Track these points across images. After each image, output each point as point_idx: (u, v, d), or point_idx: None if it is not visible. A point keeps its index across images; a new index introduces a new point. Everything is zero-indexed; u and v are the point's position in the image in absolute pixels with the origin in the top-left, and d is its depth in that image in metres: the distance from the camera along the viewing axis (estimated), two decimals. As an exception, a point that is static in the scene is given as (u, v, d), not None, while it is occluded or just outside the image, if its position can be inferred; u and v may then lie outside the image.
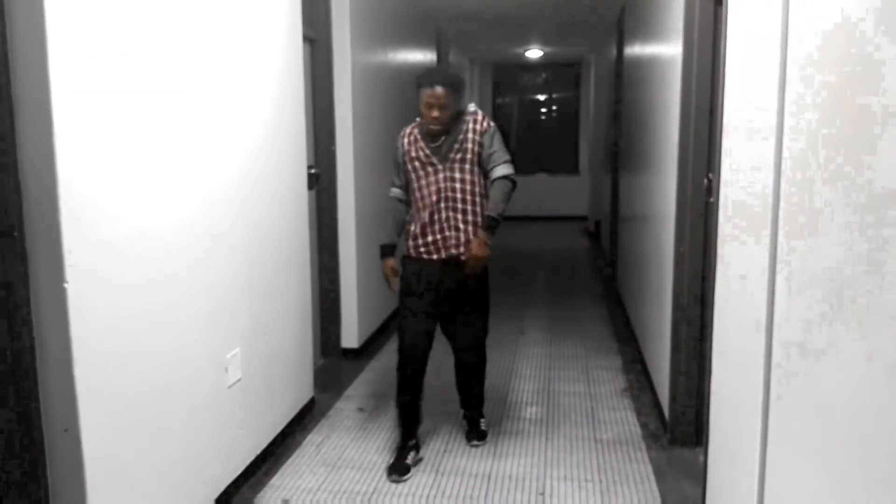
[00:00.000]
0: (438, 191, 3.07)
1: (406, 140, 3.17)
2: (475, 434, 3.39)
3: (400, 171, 3.22)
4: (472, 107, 3.17)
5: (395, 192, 3.26)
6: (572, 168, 12.32)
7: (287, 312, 3.43)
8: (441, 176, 3.06)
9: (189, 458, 2.53)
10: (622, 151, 6.27)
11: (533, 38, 9.37)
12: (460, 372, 3.41)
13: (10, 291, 1.84)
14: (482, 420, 3.45)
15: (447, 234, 3.08)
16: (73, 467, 1.96)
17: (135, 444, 2.20)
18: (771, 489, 1.85)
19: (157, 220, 2.29)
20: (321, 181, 4.32)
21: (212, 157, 2.65)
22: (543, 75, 12.61)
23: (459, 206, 3.07)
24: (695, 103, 3.10)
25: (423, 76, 3.07)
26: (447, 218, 3.08)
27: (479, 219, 3.09)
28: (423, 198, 3.11)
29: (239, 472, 2.91)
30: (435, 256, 3.10)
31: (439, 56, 7.50)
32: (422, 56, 6.67)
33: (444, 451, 3.29)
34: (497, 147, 3.10)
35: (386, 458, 3.18)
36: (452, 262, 3.11)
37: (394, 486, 2.97)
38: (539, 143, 12.58)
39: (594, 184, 10.06)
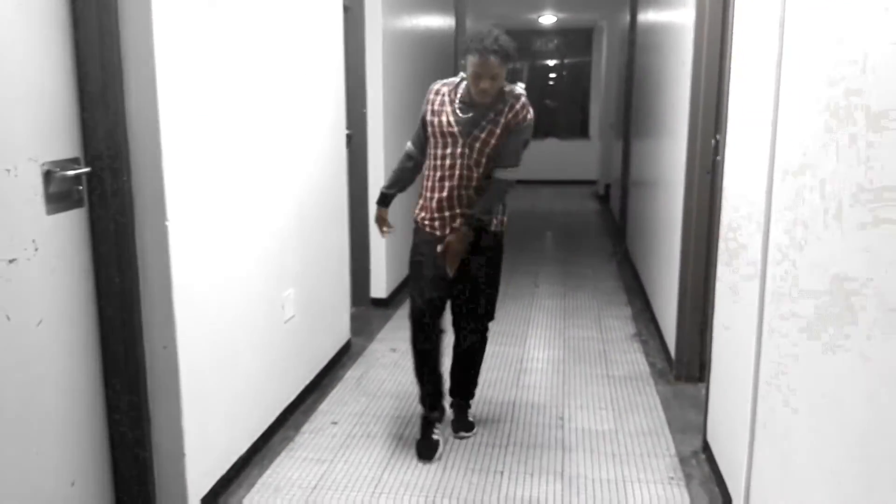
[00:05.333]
0: (461, 167, 2.83)
1: (436, 98, 2.87)
2: (462, 424, 3.17)
3: (421, 128, 2.96)
4: (519, 87, 2.87)
5: (409, 147, 3.03)
6: (583, 132, 12.57)
7: (329, 259, 3.76)
8: (461, 154, 2.81)
9: (253, 381, 2.88)
10: (634, 116, 6.54)
11: (547, 4, 9.55)
12: (458, 354, 3.19)
13: (120, 226, 2.17)
14: (469, 410, 3.26)
15: (462, 211, 2.89)
16: (171, 379, 2.32)
17: (216, 364, 2.56)
18: (762, 410, 2.18)
19: (234, 170, 2.62)
20: (353, 141, 4.62)
21: (274, 120, 2.97)
22: (556, 41, 12.80)
23: (475, 186, 2.88)
24: (705, 68, 3.39)
25: (475, 41, 2.68)
26: (461, 196, 2.88)
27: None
28: (441, 168, 2.87)
29: (293, 398, 3.28)
30: (448, 232, 2.89)
31: (458, 21, 7.74)
32: (442, 21, 6.92)
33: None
34: (515, 148, 2.86)
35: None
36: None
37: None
38: (550, 108, 12.83)
39: (604, 148, 10.31)
